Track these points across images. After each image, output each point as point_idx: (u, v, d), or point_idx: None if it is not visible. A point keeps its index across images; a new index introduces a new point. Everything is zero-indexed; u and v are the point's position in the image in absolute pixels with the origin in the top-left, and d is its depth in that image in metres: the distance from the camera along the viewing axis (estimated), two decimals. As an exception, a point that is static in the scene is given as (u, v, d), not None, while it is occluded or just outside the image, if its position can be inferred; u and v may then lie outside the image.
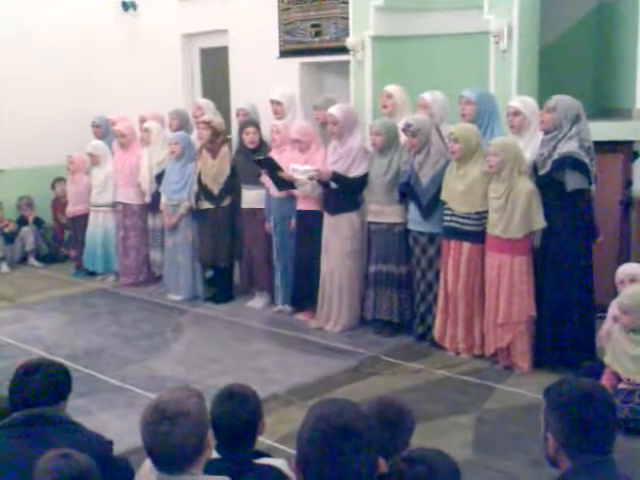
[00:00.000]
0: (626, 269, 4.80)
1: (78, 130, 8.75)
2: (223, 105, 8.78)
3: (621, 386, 4.29)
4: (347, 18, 7.22)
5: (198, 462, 2.05)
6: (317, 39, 7.86)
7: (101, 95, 9.39)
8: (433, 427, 4.26)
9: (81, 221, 8.10)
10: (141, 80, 9.52)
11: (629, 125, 5.80)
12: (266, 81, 8.09)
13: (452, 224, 5.37)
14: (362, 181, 5.96)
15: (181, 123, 7.51)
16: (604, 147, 5.87)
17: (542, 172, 4.99)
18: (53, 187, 9.07)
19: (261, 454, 2.58)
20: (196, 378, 5.09)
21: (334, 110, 5.97)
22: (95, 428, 2.91)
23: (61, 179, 8.96)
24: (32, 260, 8.81)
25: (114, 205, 7.83)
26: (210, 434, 2.09)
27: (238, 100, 8.55)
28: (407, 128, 5.56)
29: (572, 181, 4.84)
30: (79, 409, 3.95)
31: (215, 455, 2.24)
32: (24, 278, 8.27)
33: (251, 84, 8.28)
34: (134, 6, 9.69)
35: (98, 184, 7.88)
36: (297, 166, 6.03)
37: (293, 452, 1.90)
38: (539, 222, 4.98)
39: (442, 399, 4.74)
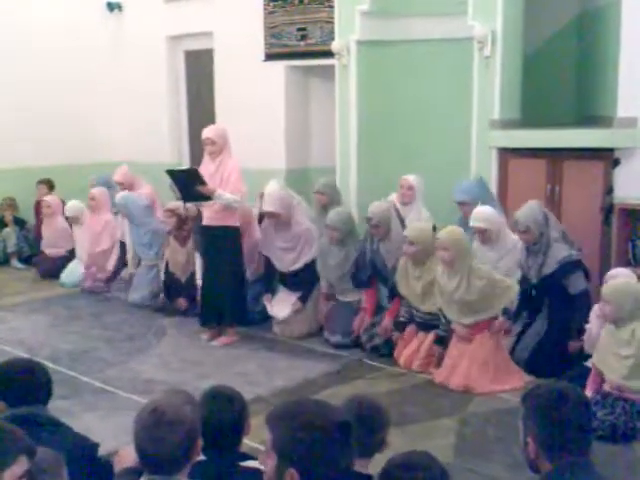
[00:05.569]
0: (614, 274, 4.81)
1: (61, 131, 8.72)
2: (208, 107, 8.78)
3: (605, 388, 4.31)
4: (333, 22, 7.25)
5: (185, 468, 2.08)
6: (303, 43, 7.89)
7: (86, 95, 9.38)
8: (415, 430, 4.29)
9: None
10: (126, 81, 9.51)
11: (610, 133, 5.86)
12: (251, 84, 8.12)
13: (417, 319, 5.42)
14: (313, 269, 6.04)
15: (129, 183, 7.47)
16: (585, 154, 5.93)
17: (538, 279, 5.15)
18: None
19: (247, 456, 2.58)
20: (178, 381, 5.08)
21: (268, 206, 5.90)
22: (78, 430, 2.91)
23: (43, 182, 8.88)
24: (14, 261, 8.76)
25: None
26: (199, 440, 2.11)
27: (223, 103, 8.56)
28: (369, 222, 5.62)
29: (574, 284, 5.07)
30: (62, 411, 3.92)
31: (201, 457, 2.25)
32: (6, 279, 8.20)
33: (236, 87, 8.30)
34: (119, 7, 9.68)
35: None
36: None
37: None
38: (499, 306, 5.00)
39: (425, 402, 4.77)
